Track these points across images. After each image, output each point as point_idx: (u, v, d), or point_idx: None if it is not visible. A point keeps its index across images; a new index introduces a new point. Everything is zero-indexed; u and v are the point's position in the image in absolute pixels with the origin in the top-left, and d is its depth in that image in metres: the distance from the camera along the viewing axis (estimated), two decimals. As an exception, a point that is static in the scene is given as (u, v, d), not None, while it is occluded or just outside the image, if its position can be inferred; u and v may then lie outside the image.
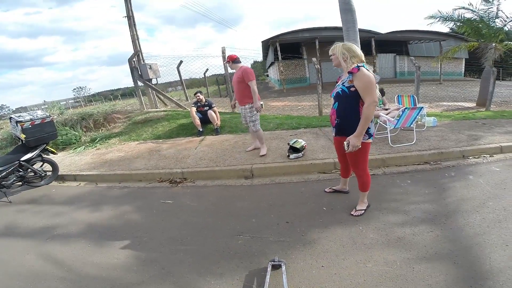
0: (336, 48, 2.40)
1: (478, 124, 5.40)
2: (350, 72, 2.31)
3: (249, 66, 4.56)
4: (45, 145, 4.56)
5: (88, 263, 2.42)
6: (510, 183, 3.08)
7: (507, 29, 9.85)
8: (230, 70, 7.63)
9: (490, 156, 3.92)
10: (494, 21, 9.58)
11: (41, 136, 4.42)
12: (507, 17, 9.31)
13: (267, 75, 32.63)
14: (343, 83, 2.40)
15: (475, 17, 9.85)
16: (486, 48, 9.46)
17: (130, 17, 8.19)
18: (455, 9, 9.95)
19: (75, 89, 63.02)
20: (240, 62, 4.23)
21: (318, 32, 18.30)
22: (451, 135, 4.65)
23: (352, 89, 2.32)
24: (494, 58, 9.19)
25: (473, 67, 21.62)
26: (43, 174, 4.52)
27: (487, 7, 9.51)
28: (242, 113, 4.33)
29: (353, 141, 2.33)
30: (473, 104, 9.95)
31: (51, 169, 4.62)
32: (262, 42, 20.67)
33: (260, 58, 28.33)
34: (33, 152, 4.37)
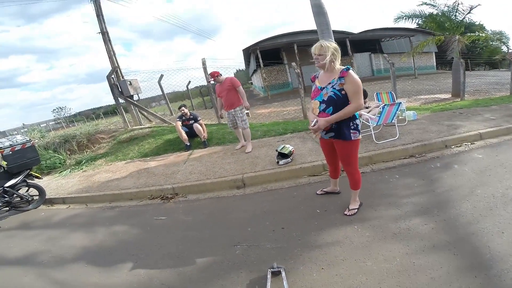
0: (328, 48, 2.30)
1: (456, 114, 5.62)
2: (341, 76, 2.30)
3: (232, 75, 4.96)
4: (28, 170, 4.45)
5: (88, 284, 2.39)
6: (494, 169, 3.20)
7: (466, 22, 10.36)
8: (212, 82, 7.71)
9: (471, 144, 4.09)
10: (455, 15, 10.06)
11: (23, 162, 4.33)
12: (464, 11, 9.81)
13: (251, 83, 32.78)
14: (333, 86, 2.35)
15: (438, 12, 10.33)
16: (451, 41, 9.93)
17: (104, 33, 8.09)
18: (419, 5, 10.43)
19: (55, 109, 60.61)
20: (221, 75, 4.91)
21: (296, 37, 18.62)
22: (432, 127, 4.81)
23: (343, 92, 2.33)
24: (459, 50, 9.66)
25: (443, 60, 22.63)
26: (30, 199, 4.42)
27: (446, 1, 10.07)
28: (230, 117, 4.96)
29: (321, 123, 2.37)
30: (448, 95, 10.32)
31: (37, 193, 4.52)
32: (243, 50, 20.81)
33: (242, 66, 28.51)
34: (16, 178, 4.27)
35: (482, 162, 3.46)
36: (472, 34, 10.30)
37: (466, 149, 3.96)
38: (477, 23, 20.08)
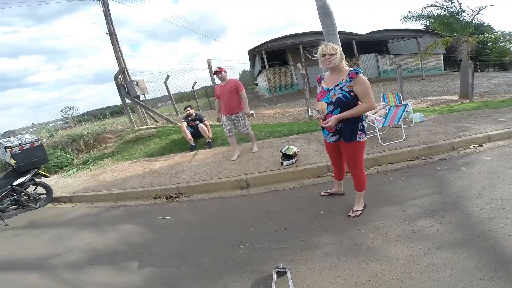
0: (338, 49, 2.34)
1: (464, 115, 5.54)
2: (351, 77, 2.32)
3: (238, 76, 4.87)
4: (36, 169, 4.51)
5: (91, 282, 2.41)
6: (502, 172, 3.14)
7: (475, 23, 10.21)
8: (217, 82, 7.72)
9: (479, 146, 4.02)
10: (461, 16, 9.92)
11: (32, 160, 4.39)
12: (472, 11, 9.69)
13: (256, 84, 32.82)
14: (341, 87, 2.36)
15: (445, 13, 10.21)
16: (460, 42, 9.78)
17: (112, 34, 8.19)
18: (425, 7, 10.33)
19: (63, 109, 62.18)
20: (226, 73, 4.66)
21: (301, 38, 18.64)
22: (439, 129, 4.75)
23: (352, 93, 2.34)
24: (468, 51, 9.51)
25: (451, 61, 22.34)
26: (37, 197, 4.49)
27: (450, 3, 9.93)
28: (229, 122, 4.69)
29: (332, 121, 2.36)
30: (456, 97, 10.20)
31: (45, 192, 4.59)
32: (248, 51, 20.89)
33: (247, 67, 28.58)
34: (25, 176, 4.34)
35: (490, 164, 3.40)
36: (480, 35, 10.17)
37: (474, 151, 3.90)
38: (485, 24, 19.76)
